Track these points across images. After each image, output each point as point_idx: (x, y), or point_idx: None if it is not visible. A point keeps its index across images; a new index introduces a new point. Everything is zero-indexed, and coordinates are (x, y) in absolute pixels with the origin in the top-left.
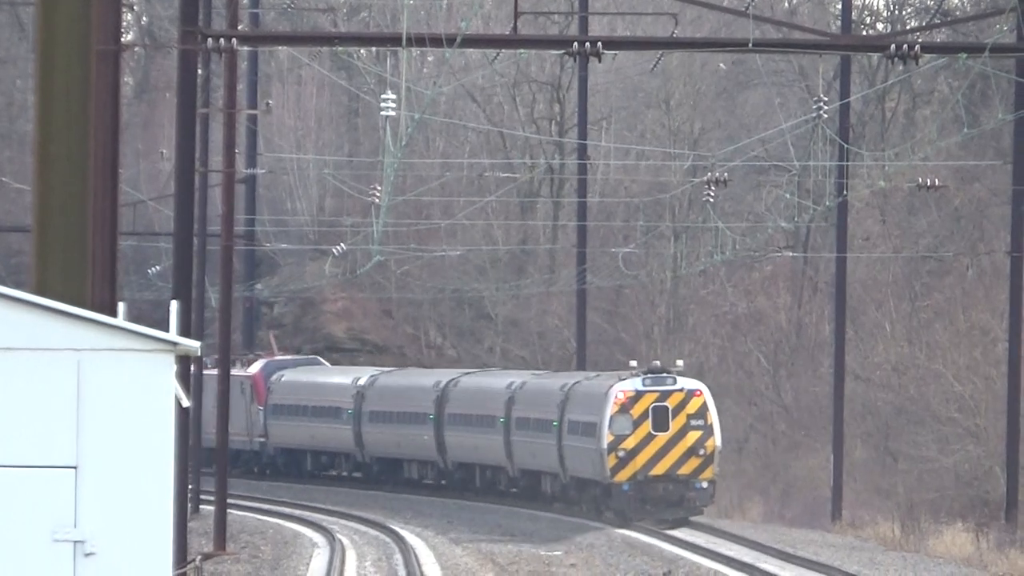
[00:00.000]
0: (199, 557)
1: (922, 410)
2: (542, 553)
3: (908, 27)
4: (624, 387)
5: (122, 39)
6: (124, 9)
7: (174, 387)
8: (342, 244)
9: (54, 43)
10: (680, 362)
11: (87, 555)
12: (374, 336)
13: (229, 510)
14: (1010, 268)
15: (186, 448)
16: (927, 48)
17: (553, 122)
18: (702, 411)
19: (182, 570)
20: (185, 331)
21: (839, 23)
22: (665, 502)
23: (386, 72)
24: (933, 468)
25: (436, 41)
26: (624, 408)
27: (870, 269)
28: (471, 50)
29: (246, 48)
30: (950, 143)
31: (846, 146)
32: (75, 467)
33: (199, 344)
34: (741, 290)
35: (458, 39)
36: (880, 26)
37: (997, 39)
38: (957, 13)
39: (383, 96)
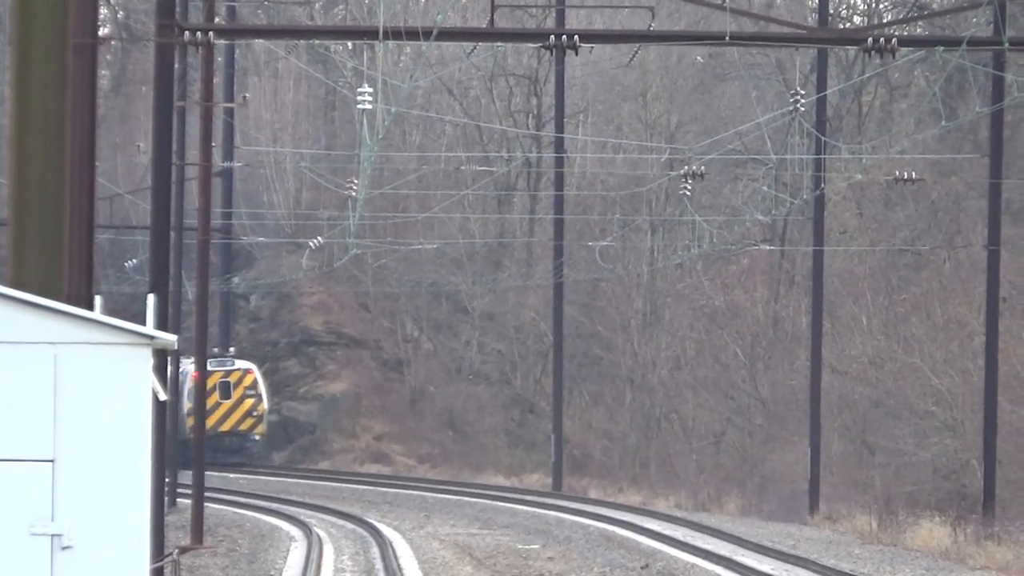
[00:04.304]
0: (176, 550)
1: (899, 403)
2: (519, 546)
3: (885, 20)
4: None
5: (99, 32)
6: (101, 2)
7: (151, 381)
8: (319, 237)
9: (30, 36)
10: (232, 349)
11: (64, 549)
12: (351, 330)
13: (206, 503)
14: (987, 261)
15: (163, 441)
16: (904, 41)
17: (530, 115)
18: (254, 384)
19: (159, 563)
20: (162, 324)
21: (816, 17)
22: (230, 451)
23: (363, 65)
24: (910, 461)
25: (413, 34)
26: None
27: (847, 262)
28: (448, 43)
29: (223, 41)
30: (927, 136)
31: (823, 139)
32: (52, 460)
33: (176, 337)
34: (718, 283)
35: (434, 32)
36: (857, 19)
37: (974, 32)
38: (934, 7)
39: (360, 89)
